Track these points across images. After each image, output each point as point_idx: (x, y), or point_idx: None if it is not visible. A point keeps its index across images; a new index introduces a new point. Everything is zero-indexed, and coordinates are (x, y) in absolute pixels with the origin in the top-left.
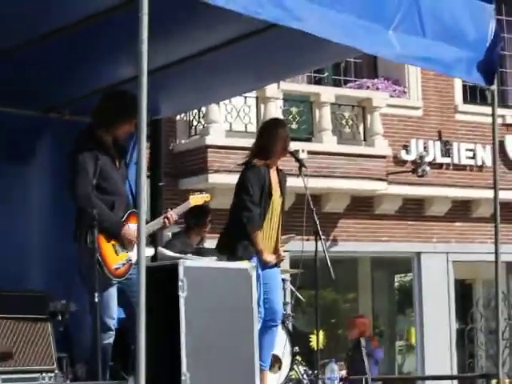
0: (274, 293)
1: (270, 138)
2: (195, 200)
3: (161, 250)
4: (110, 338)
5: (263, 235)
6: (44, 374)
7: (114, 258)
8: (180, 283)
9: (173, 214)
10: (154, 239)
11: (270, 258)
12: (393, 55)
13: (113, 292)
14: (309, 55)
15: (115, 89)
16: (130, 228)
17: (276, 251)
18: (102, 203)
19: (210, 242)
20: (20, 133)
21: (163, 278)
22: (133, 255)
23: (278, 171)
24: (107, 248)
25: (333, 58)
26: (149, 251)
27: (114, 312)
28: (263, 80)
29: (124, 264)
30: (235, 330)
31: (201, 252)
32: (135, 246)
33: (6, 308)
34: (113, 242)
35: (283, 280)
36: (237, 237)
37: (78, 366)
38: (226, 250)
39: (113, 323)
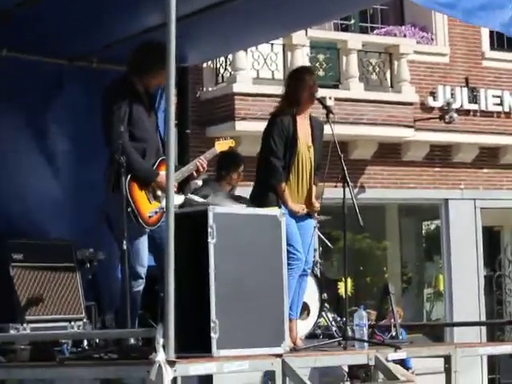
0: (305, 243)
1: (297, 85)
2: (221, 146)
3: (190, 196)
4: (139, 286)
5: (291, 187)
6: (73, 323)
7: (148, 206)
8: (209, 229)
9: (204, 159)
10: (182, 186)
11: (297, 207)
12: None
13: (144, 240)
14: (335, 2)
15: (146, 38)
16: (164, 176)
17: (308, 202)
18: (134, 150)
19: (239, 190)
20: (48, 81)
21: (192, 225)
22: (165, 203)
23: (311, 119)
24: (140, 196)
25: (360, 5)
26: (178, 199)
27: (145, 260)
28: (290, 27)
29: (157, 212)
30: (265, 277)
31: (232, 198)
32: None
33: (35, 256)
34: (145, 191)
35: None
36: (264, 190)
37: (107, 315)
38: (256, 202)
39: (143, 271)
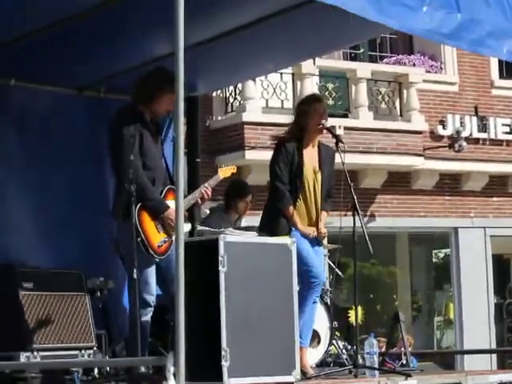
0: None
1: (306, 113)
2: (224, 172)
3: (201, 227)
4: (148, 315)
5: (299, 212)
6: (83, 351)
7: (156, 235)
8: (220, 258)
9: (209, 187)
10: (191, 215)
11: (307, 230)
12: (423, 32)
13: (152, 269)
14: (343, 32)
15: (155, 65)
16: (172, 210)
17: (317, 226)
18: (147, 180)
19: (249, 219)
20: (56, 111)
21: (203, 254)
22: (174, 234)
23: (320, 146)
24: (150, 225)
25: (368, 35)
26: (185, 227)
27: (153, 289)
28: (298, 56)
29: (165, 241)
30: (275, 305)
31: (239, 229)
32: None
33: (45, 285)
34: (155, 221)
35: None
36: (273, 217)
37: (117, 343)
38: (266, 229)
39: (152, 300)
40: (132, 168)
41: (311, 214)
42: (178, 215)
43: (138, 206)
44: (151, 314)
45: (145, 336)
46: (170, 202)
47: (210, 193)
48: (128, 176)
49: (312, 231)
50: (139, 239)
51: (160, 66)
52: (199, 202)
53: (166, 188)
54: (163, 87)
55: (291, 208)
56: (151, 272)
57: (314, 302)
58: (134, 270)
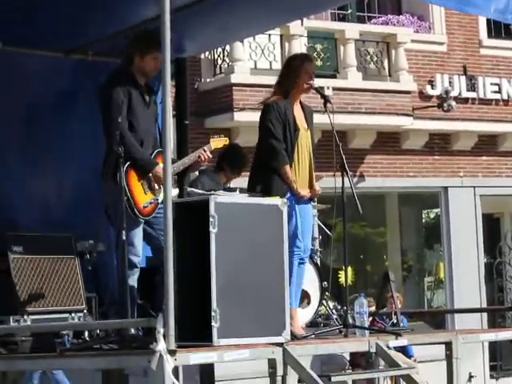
0: (306, 231)
1: (296, 70)
2: (215, 143)
3: (191, 189)
4: (134, 276)
5: (294, 171)
6: (73, 314)
7: (143, 196)
8: (211, 219)
9: (207, 150)
10: (180, 179)
11: (303, 191)
12: None
13: (138, 231)
14: None
15: (142, 28)
16: (161, 167)
17: (311, 186)
18: (134, 140)
19: (234, 182)
20: (45, 74)
21: (193, 214)
22: (160, 195)
23: (303, 106)
24: (136, 186)
25: None
26: (173, 191)
27: (139, 250)
28: (286, 17)
29: (151, 202)
30: (266, 267)
31: (230, 191)
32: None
33: (34, 248)
34: (142, 181)
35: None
36: (267, 175)
37: (107, 306)
38: (260, 189)
39: (137, 260)
40: (119, 129)
41: (305, 173)
42: (166, 177)
43: (126, 166)
44: (137, 274)
45: (133, 297)
46: (161, 165)
47: (206, 157)
48: (115, 137)
49: (307, 193)
50: (125, 199)
51: (146, 28)
52: (196, 165)
53: (156, 151)
54: (148, 47)
55: (287, 167)
56: (137, 233)
57: (302, 263)
58: (123, 232)
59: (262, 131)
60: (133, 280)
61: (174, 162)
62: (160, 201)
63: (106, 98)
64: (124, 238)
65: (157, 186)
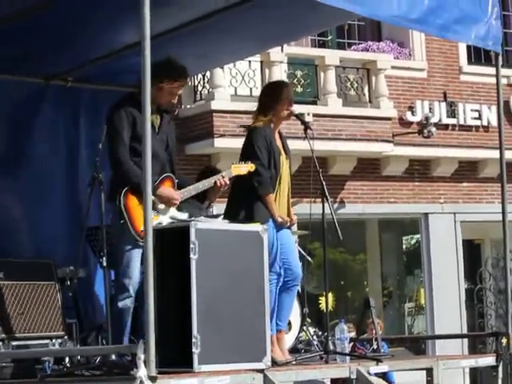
0: (291, 254)
1: (274, 98)
2: (237, 170)
3: (174, 214)
4: (125, 300)
5: (276, 199)
6: (54, 340)
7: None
8: (191, 245)
9: (226, 176)
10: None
11: (284, 218)
12: (390, 18)
13: (135, 253)
14: (309, 19)
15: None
16: (165, 190)
17: (288, 214)
18: (137, 167)
19: (218, 207)
20: (25, 100)
21: (175, 240)
22: (163, 219)
23: (280, 134)
24: (137, 209)
25: (334, 22)
26: (183, 216)
27: (133, 274)
28: (266, 44)
29: None
30: (246, 293)
31: (211, 217)
32: (169, 209)
33: (15, 275)
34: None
35: None
36: (251, 202)
37: (88, 332)
38: (239, 216)
39: (130, 284)
40: (119, 154)
41: (284, 201)
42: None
43: (125, 189)
44: (130, 300)
45: (121, 322)
46: (164, 187)
47: (223, 182)
48: (115, 161)
49: (287, 221)
50: (121, 221)
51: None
52: (216, 191)
53: (163, 176)
54: (162, 78)
55: (272, 196)
56: (134, 256)
57: (294, 287)
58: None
59: (247, 155)
60: (123, 304)
61: (184, 186)
62: (164, 224)
63: (109, 121)
64: (105, 264)
65: (162, 206)
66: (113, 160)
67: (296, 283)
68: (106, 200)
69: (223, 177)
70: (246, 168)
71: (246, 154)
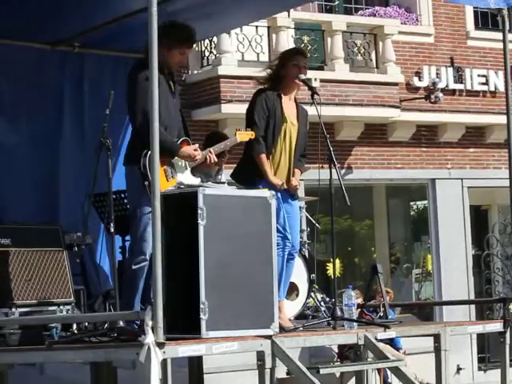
0: (293, 227)
1: (282, 62)
2: (241, 136)
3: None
4: (140, 264)
5: (274, 161)
6: (62, 307)
7: (164, 183)
8: (199, 211)
9: (213, 152)
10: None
11: (276, 180)
12: None
13: None
14: None
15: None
16: (188, 148)
17: (288, 180)
18: (163, 130)
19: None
20: (31, 66)
21: (182, 206)
22: (183, 178)
23: (297, 105)
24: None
25: None
26: (195, 180)
27: (150, 238)
28: (272, 7)
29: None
30: (254, 259)
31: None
32: (187, 170)
33: (23, 241)
34: (164, 167)
35: (300, 208)
36: (244, 164)
37: (95, 298)
38: (236, 177)
39: (148, 247)
40: (142, 114)
41: (285, 165)
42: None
43: (147, 151)
44: (145, 263)
45: (133, 285)
46: (187, 146)
47: (212, 158)
48: (139, 122)
49: (280, 182)
50: (146, 183)
51: (172, 20)
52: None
53: (182, 138)
54: (177, 41)
55: (264, 156)
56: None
57: (291, 259)
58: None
59: (247, 118)
60: (137, 267)
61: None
62: (185, 184)
63: (131, 82)
64: (112, 230)
65: (183, 164)
66: (137, 123)
67: (293, 257)
68: (120, 164)
69: (211, 152)
70: (247, 135)
71: (247, 117)
